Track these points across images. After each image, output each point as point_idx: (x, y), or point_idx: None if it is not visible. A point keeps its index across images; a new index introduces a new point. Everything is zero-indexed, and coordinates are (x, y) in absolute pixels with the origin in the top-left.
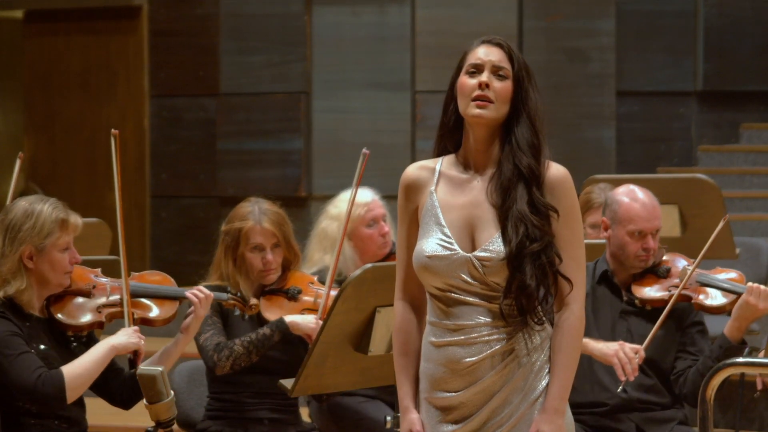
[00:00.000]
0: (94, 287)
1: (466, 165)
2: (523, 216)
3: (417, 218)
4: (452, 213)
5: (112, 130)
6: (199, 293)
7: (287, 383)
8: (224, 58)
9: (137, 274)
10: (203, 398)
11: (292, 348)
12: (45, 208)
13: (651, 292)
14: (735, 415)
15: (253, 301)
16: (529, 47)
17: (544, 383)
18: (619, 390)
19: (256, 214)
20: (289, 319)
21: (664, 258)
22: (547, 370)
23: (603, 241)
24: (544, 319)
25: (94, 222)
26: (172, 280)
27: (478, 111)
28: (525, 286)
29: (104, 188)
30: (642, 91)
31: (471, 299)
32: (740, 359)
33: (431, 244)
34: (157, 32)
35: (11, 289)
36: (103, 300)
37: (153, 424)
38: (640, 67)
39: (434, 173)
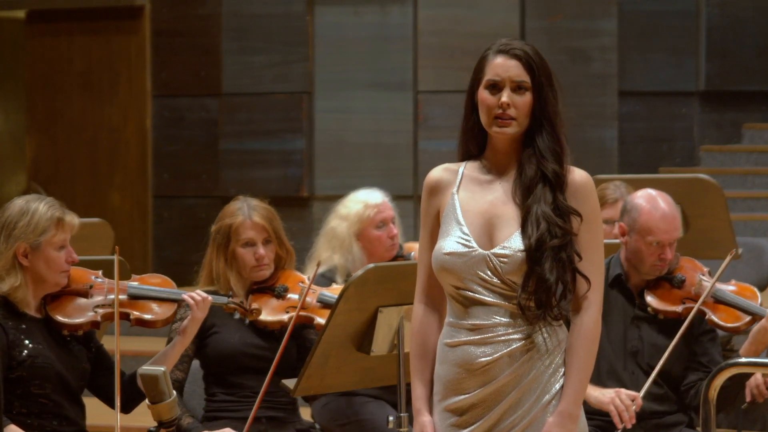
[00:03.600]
0: (91, 287)
1: (489, 167)
2: (546, 216)
3: (439, 220)
4: (472, 212)
5: (116, 248)
6: (196, 296)
7: (289, 383)
8: (226, 58)
9: (137, 276)
10: (203, 399)
11: (272, 348)
12: (41, 206)
13: (665, 302)
14: (737, 416)
15: (254, 305)
16: None
17: (558, 386)
18: None
19: (246, 210)
20: None
21: (679, 265)
22: (561, 373)
23: (616, 240)
24: (561, 314)
25: (96, 222)
26: (173, 283)
27: (501, 130)
28: (544, 280)
29: (106, 188)
30: (644, 91)
31: (488, 299)
32: (742, 359)
33: (450, 242)
34: (160, 32)
35: (5, 286)
36: (100, 300)
37: (155, 424)
38: (642, 67)
39: (457, 175)
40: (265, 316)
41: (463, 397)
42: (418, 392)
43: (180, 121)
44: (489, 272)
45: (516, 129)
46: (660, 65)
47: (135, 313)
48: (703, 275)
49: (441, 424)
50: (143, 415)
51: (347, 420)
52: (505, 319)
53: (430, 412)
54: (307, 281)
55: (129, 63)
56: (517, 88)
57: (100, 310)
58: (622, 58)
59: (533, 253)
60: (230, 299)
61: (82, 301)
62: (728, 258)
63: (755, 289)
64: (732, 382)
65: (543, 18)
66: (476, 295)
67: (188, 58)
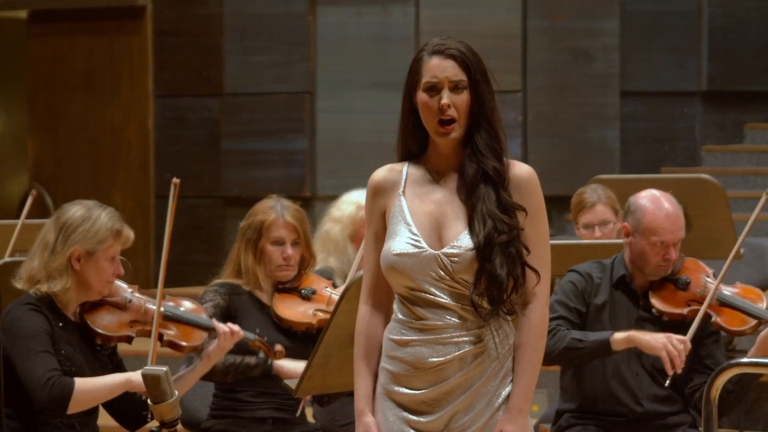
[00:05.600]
0: (130, 302)
1: (433, 167)
2: (491, 213)
3: (385, 221)
4: (420, 213)
5: (174, 180)
6: (227, 328)
7: (291, 383)
8: (228, 58)
9: (171, 297)
10: (207, 398)
11: (294, 348)
12: (103, 215)
13: (670, 304)
14: (739, 416)
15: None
16: (533, 47)
17: (508, 390)
18: (666, 384)
19: (279, 209)
20: (277, 363)
21: (683, 266)
22: (512, 378)
23: (613, 241)
24: (513, 309)
25: None
26: (203, 309)
27: (446, 137)
28: (495, 276)
29: (108, 188)
30: (646, 91)
31: (440, 300)
32: (744, 359)
33: (399, 242)
34: (161, 32)
35: (56, 287)
36: (136, 315)
37: (157, 423)
38: (644, 67)
39: (402, 175)
40: (293, 316)
41: (411, 392)
42: (362, 392)
43: (182, 121)
44: (441, 271)
45: (459, 131)
46: (662, 65)
47: (170, 333)
48: (708, 277)
49: (385, 413)
50: None
51: (349, 420)
52: (457, 321)
53: (373, 412)
54: (330, 285)
55: (131, 63)
56: (455, 87)
57: (136, 326)
58: (624, 58)
59: (482, 250)
60: (257, 337)
61: (119, 313)
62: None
63: (760, 292)
64: (737, 387)
65: (545, 18)
66: (428, 296)
67: (190, 58)
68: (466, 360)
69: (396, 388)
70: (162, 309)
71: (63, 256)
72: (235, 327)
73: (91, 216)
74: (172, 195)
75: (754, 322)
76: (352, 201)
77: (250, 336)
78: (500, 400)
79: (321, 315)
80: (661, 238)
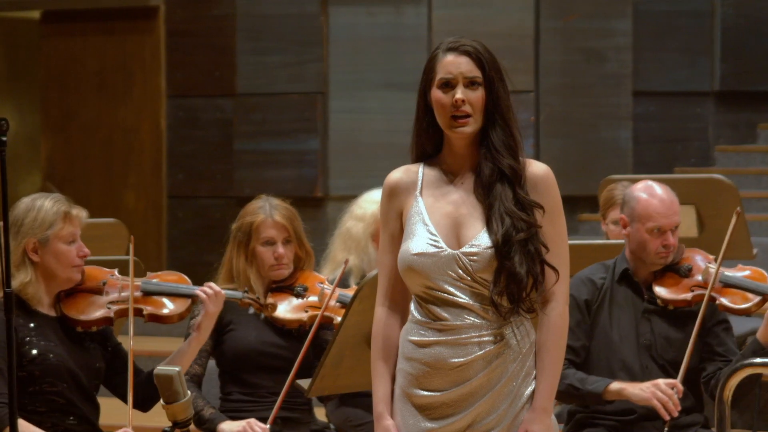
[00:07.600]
0: (105, 284)
1: (448, 167)
2: (509, 211)
3: (401, 223)
4: (438, 214)
5: (131, 237)
6: (208, 290)
7: (304, 383)
8: (241, 58)
9: (153, 274)
10: (213, 399)
11: (290, 346)
12: (46, 202)
13: (674, 292)
14: (752, 416)
15: (270, 300)
16: (546, 47)
17: (531, 389)
18: (665, 431)
19: (267, 209)
20: (221, 427)
21: (684, 255)
22: (533, 376)
23: (622, 242)
24: (533, 307)
25: (111, 222)
26: (188, 279)
27: (460, 130)
28: (515, 274)
29: (121, 188)
30: (659, 91)
31: (459, 299)
32: (758, 359)
33: (418, 242)
34: (174, 32)
35: (15, 283)
36: (113, 297)
37: (170, 424)
38: (656, 67)
39: (418, 176)
40: (284, 315)
41: (431, 393)
42: (380, 394)
43: (194, 122)
44: (460, 271)
45: (473, 126)
46: (675, 65)
47: (148, 308)
48: (710, 263)
49: (404, 415)
50: (158, 414)
51: (362, 421)
52: (478, 321)
53: (391, 414)
54: (327, 282)
55: (143, 63)
56: (470, 83)
57: (114, 307)
58: (636, 58)
59: (501, 248)
60: (245, 294)
61: (95, 297)
62: (732, 220)
63: (763, 271)
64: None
65: (558, 18)
66: (448, 296)
67: (203, 58)
68: (488, 359)
69: (415, 391)
70: (140, 285)
71: (17, 251)
72: (216, 287)
73: (34, 206)
74: (131, 254)
75: (758, 298)
76: (375, 200)
77: (238, 295)
78: (523, 399)
79: (312, 312)
80: (657, 223)
